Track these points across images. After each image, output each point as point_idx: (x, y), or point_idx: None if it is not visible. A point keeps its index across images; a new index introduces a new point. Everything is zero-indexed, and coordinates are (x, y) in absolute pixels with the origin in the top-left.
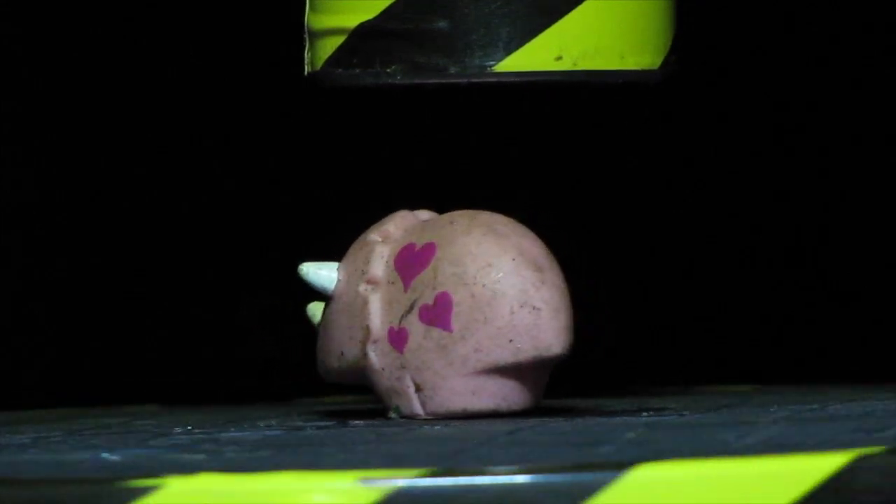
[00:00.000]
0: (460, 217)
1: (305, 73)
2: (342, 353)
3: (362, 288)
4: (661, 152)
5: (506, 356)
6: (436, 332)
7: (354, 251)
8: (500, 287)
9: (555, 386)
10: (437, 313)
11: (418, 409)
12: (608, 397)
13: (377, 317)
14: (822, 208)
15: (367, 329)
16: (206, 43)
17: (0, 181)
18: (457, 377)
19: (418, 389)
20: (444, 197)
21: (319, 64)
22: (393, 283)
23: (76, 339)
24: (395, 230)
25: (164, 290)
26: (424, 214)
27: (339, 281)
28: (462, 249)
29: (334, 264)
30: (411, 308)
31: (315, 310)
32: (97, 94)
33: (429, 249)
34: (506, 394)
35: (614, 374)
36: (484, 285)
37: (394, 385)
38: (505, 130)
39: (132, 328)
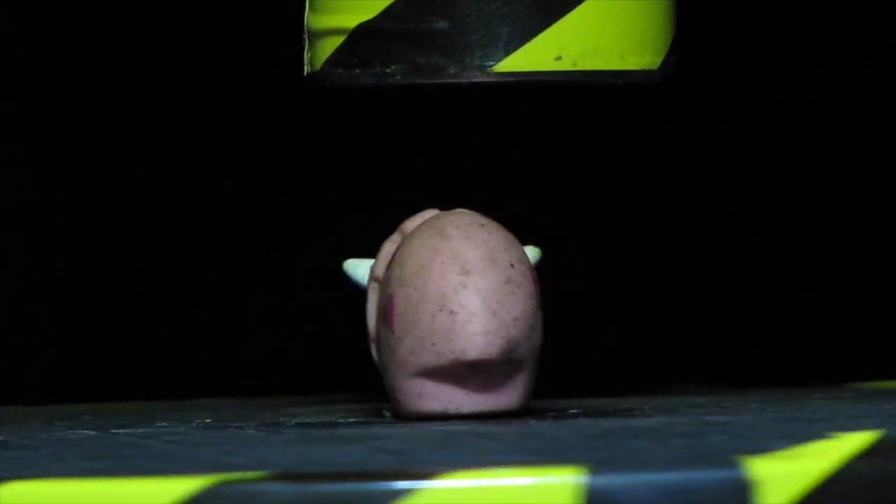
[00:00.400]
0: (435, 217)
1: (305, 73)
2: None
3: (371, 287)
4: (660, 152)
5: (431, 359)
6: (386, 333)
7: (388, 248)
8: (426, 291)
9: (556, 385)
10: (386, 314)
11: (395, 410)
12: (596, 397)
13: (371, 317)
14: (822, 208)
15: (368, 328)
16: (206, 43)
17: (0, 181)
18: (403, 379)
19: (390, 390)
20: (444, 197)
21: (319, 64)
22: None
23: (76, 339)
24: (410, 228)
25: (163, 290)
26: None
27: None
28: (407, 251)
29: (372, 261)
30: (380, 308)
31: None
32: (97, 94)
33: (399, 250)
34: (450, 397)
35: (613, 374)
36: (414, 288)
37: (385, 385)
38: (505, 130)
39: (131, 328)
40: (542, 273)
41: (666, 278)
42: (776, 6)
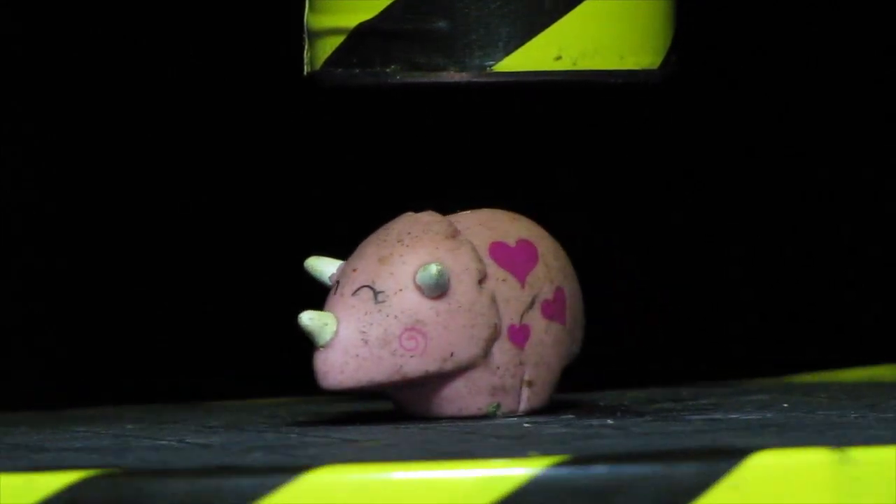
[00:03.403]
0: (512, 214)
1: (305, 73)
2: (452, 355)
3: (482, 286)
4: (660, 152)
5: (576, 350)
6: (555, 327)
7: (449, 251)
8: (576, 285)
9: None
10: (557, 308)
11: (522, 405)
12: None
13: (499, 315)
14: (823, 208)
15: (496, 327)
16: (206, 43)
17: (0, 181)
18: (559, 371)
19: (528, 385)
20: (444, 197)
21: (319, 64)
22: (504, 280)
23: (76, 339)
24: (456, 229)
25: (163, 290)
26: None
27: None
28: (551, 245)
29: (435, 263)
30: (532, 304)
31: (322, 318)
32: (97, 93)
33: (527, 246)
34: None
35: (613, 374)
36: (575, 280)
37: (505, 382)
38: (505, 130)
39: (131, 328)
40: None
41: (665, 278)
42: (776, 6)
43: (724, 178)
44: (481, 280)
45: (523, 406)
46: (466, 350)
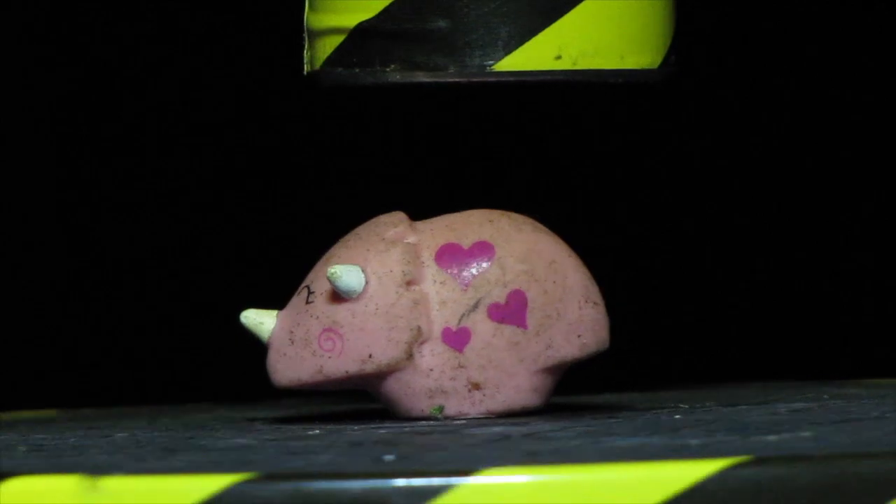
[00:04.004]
0: (495, 216)
1: (305, 72)
2: (370, 356)
3: (405, 289)
4: (660, 152)
5: (574, 352)
6: (508, 330)
7: (377, 253)
8: (569, 283)
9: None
10: (511, 311)
11: (468, 408)
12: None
13: (429, 317)
14: (822, 208)
15: (418, 330)
16: (206, 43)
17: (0, 181)
18: (524, 374)
19: (475, 388)
20: (444, 196)
21: (319, 63)
22: (442, 282)
23: (76, 339)
24: (409, 231)
25: (163, 290)
26: (403, 216)
27: (367, 283)
28: (524, 247)
29: (356, 266)
30: (476, 307)
31: (260, 317)
32: (97, 93)
33: (484, 248)
34: (550, 390)
35: (611, 373)
36: (554, 282)
37: (443, 385)
38: (505, 130)
39: (129, 328)
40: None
41: (664, 277)
42: (776, 6)
43: (723, 178)
44: (409, 283)
45: (478, 409)
46: (385, 352)
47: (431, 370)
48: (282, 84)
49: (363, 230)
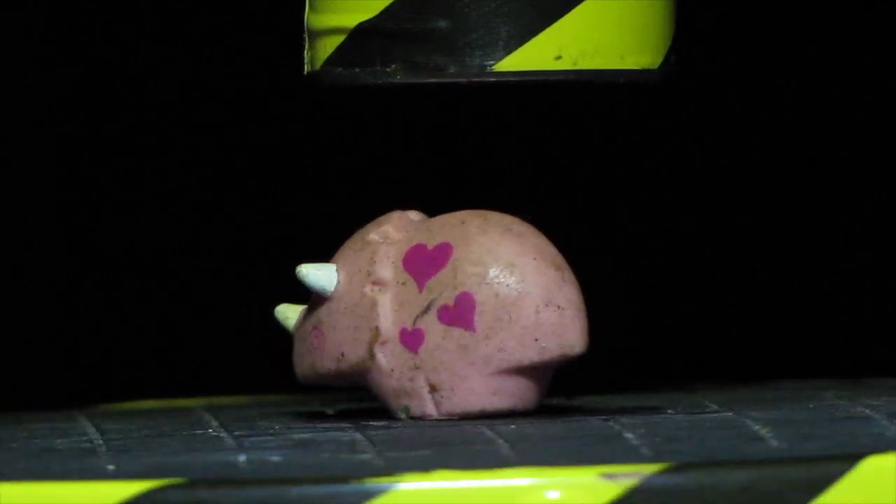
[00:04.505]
0: (471, 217)
1: (305, 72)
2: (342, 355)
3: (368, 289)
4: (660, 152)
5: (531, 356)
6: (456, 332)
7: (353, 252)
8: (525, 286)
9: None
10: (459, 313)
11: (431, 409)
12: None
13: (387, 318)
14: (822, 208)
15: (377, 330)
16: (206, 43)
17: (1, 181)
18: (477, 377)
19: (433, 390)
20: (443, 196)
21: (319, 63)
22: (404, 283)
23: (76, 339)
24: (394, 231)
25: (163, 290)
26: (415, 215)
27: (339, 282)
28: (482, 249)
29: (332, 265)
30: (428, 308)
31: (287, 312)
32: (97, 93)
33: (444, 250)
34: (523, 393)
35: (608, 373)
36: (508, 285)
37: (404, 386)
38: (505, 130)
39: (129, 328)
40: None
41: (663, 277)
42: (776, 6)
43: (723, 178)
44: (374, 283)
45: (429, 411)
46: (354, 351)
47: (392, 371)
48: (282, 84)
49: (368, 226)
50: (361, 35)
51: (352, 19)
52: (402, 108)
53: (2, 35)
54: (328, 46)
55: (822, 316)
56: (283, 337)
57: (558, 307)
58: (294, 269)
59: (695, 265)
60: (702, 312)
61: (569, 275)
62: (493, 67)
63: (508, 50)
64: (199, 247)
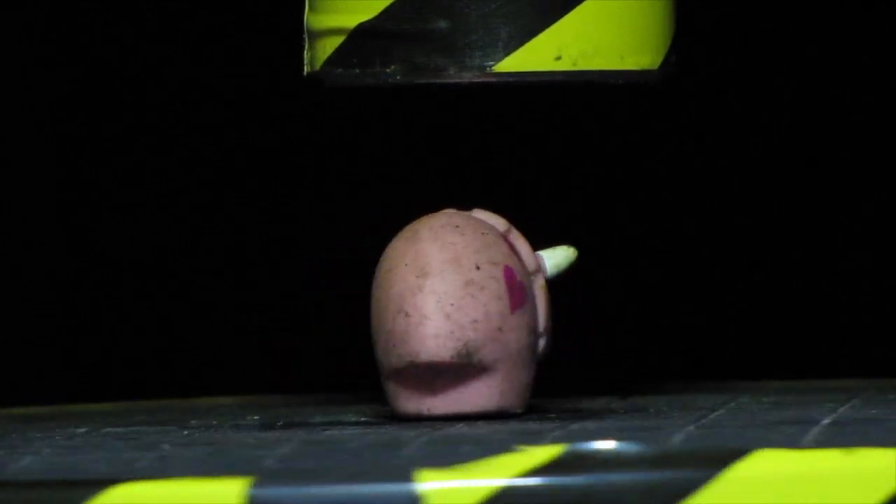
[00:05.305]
0: (422, 217)
1: (305, 73)
2: None
3: None
4: (660, 152)
5: (394, 362)
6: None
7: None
8: (391, 293)
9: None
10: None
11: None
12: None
13: None
14: (822, 208)
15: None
16: (206, 43)
17: (1, 180)
18: (384, 381)
19: None
20: (443, 196)
21: (319, 64)
22: None
23: (76, 339)
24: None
25: (163, 290)
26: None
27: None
28: (385, 253)
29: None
30: None
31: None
32: (97, 93)
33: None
34: (422, 399)
35: (608, 373)
36: (383, 290)
37: None
38: (505, 130)
39: (129, 328)
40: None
41: (662, 277)
42: (776, 6)
43: (723, 178)
44: None
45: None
46: None
47: None
48: (282, 84)
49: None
50: (361, 36)
51: (352, 20)
52: (402, 108)
53: (2, 35)
54: (328, 47)
55: (821, 316)
56: (284, 337)
57: (406, 315)
58: (291, 269)
59: (694, 265)
60: (701, 312)
61: (434, 282)
62: (493, 68)
63: (508, 50)
64: (199, 247)
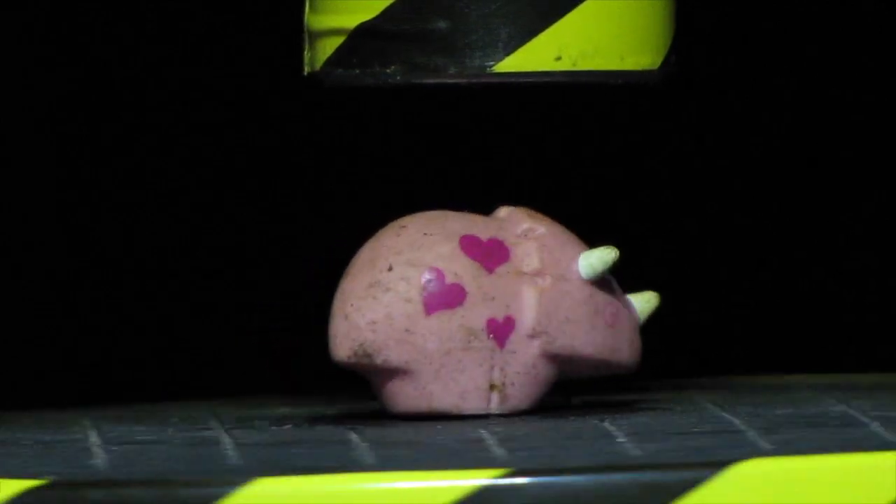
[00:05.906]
0: (411, 217)
1: (305, 73)
2: None
3: None
4: (660, 152)
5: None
6: None
7: None
8: (343, 289)
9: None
10: None
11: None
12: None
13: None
14: (823, 207)
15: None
16: (206, 43)
17: (1, 180)
18: None
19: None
20: (444, 196)
21: (319, 64)
22: None
23: (75, 339)
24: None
25: (163, 290)
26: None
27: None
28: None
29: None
30: None
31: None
32: (97, 93)
33: None
34: (379, 398)
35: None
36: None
37: None
38: (505, 130)
39: (129, 328)
40: None
41: (662, 277)
42: (776, 6)
43: (723, 178)
44: None
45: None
46: None
47: None
48: (282, 84)
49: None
50: (361, 36)
51: (352, 20)
52: (402, 108)
53: (2, 35)
54: (328, 47)
55: (824, 315)
56: (284, 337)
57: (340, 314)
58: (291, 269)
59: (695, 265)
60: (703, 312)
61: (344, 283)
62: (493, 68)
63: (508, 51)
64: (199, 247)
